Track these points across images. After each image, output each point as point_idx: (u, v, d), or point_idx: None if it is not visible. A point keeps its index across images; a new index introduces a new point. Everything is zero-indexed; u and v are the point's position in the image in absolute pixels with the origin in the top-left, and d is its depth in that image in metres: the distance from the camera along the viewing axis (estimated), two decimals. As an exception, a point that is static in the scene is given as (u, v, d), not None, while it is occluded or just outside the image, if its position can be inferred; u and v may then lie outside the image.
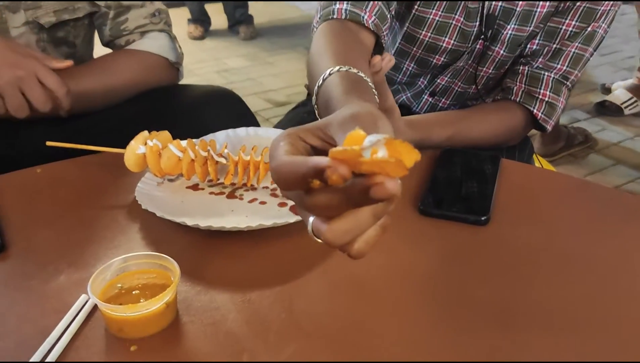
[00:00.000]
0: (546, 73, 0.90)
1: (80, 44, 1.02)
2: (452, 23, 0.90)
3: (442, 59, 0.94)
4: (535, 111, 0.90)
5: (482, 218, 0.65)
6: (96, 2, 0.97)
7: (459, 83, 0.97)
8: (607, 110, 2.49)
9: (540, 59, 0.91)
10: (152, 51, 0.99)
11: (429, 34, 0.91)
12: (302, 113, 1.06)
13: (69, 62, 0.84)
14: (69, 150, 0.75)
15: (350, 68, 0.59)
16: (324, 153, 0.38)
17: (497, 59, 0.93)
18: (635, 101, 2.48)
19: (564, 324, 0.52)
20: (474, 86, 0.96)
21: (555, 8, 0.88)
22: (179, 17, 3.57)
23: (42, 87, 0.80)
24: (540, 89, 0.90)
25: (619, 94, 2.52)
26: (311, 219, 0.37)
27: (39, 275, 0.59)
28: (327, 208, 0.34)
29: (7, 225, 0.67)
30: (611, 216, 0.69)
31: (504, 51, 0.92)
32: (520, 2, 0.87)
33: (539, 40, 0.91)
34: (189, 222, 0.62)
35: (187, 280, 0.57)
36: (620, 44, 3.30)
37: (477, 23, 0.90)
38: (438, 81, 0.98)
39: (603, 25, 0.89)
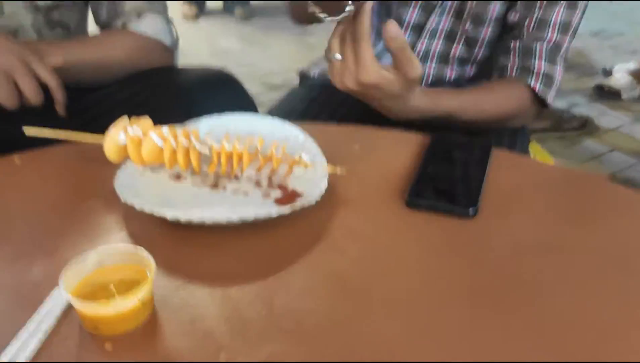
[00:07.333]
0: (537, 43, 0.87)
1: (74, 26, 1.01)
2: None
3: (415, 15, 0.93)
4: (532, 83, 0.87)
5: (470, 211, 0.63)
6: None
7: (438, 43, 0.96)
8: (605, 94, 2.46)
9: (527, 32, 0.88)
10: (147, 33, 0.97)
11: None
12: (296, 100, 1.05)
13: (61, 61, 0.82)
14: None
15: None
16: None
17: (471, 12, 0.92)
18: (635, 85, 2.45)
19: (551, 316, 0.51)
20: (455, 45, 0.94)
21: None
22: (174, -4, 3.52)
23: (35, 78, 0.78)
24: (534, 60, 0.87)
25: (619, 77, 2.49)
26: None
27: (12, 268, 0.58)
28: None
29: (-17, 216, 0.65)
30: (600, 208, 0.67)
31: (477, 6, 0.90)
32: None
33: (519, 10, 0.89)
34: (169, 215, 0.60)
35: (166, 274, 0.56)
36: (623, 26, 3.25)
37: None
38: (418, 47, 0.97)
39: None
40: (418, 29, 0.96)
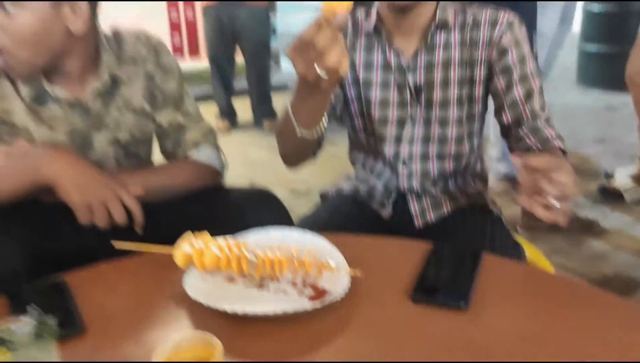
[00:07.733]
0: (538, 122, 1.15)
1: (145, 156, 1.26)
2: (390, 96, 1.18)
3: (393, 129, 1.21)
4: (558, 144, 1.12)
5: (462, 304, 0.80)
6: (162, 124, 1.21)
7: (418, 146, 1.22)
8: (609, 195, 2.63)
9: (526, 120, 1.15)
10: (203, 161, 1.21)
11: (377, 112, 1.20)
12: (321, 214, 1.26)
13: (141, 191, 1.04)
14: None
15: None
16: None
17: (436, 117, 1.19)
18: (636, 188, 2.62)
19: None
20: (430, 145, 1.21)
21: (468, 75, 1.16)
22: (208, 112, 3.85)
23: (122, 205, 1.02)
24: (545, 132, 1.14)
25: (621, 181, 2.67)
26: None
27: (110, 350, 0.76)
28: None
29: (83, 313, 0.83)
30: (578, 310, 0.82)
31: (440, 111, 1.17)
32: (436, 73, 1.16)
33: (507, 112, 1.16)
34: (228, 309, 0.78)
35: (227, 354, 0.73)
36: (622, 132, 3.47)
37: (408, 93, 1.17)
38: (402, 152, 1.22)
39: (535, 79, 1.15)
40: (398, 139, 1.21)
